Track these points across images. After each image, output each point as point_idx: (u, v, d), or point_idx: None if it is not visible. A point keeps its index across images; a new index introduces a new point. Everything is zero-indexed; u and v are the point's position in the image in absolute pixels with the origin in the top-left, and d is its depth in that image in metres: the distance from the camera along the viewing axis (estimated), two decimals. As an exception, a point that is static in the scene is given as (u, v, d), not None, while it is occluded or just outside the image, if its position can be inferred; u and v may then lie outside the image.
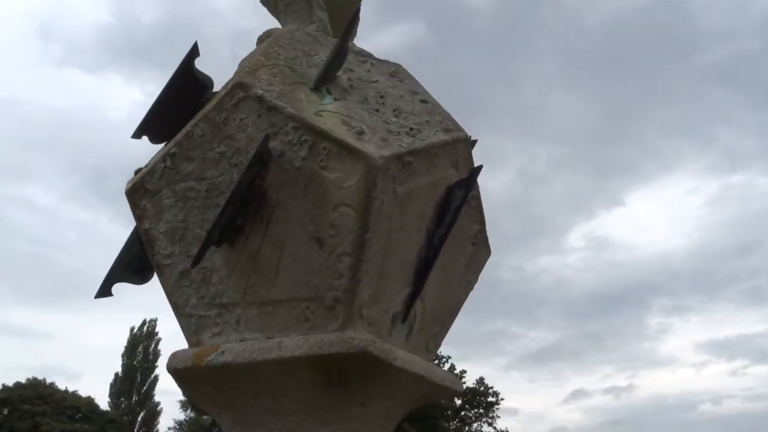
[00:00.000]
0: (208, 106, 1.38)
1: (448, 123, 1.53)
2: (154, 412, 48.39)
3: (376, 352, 1.23)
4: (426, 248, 1.43)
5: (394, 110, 1.47)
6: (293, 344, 1.23)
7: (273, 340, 1.26)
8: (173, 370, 1.31)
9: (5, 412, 26.37)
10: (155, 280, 1.50)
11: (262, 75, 1.38)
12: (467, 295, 1.63)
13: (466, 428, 43.24)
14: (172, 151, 1.38)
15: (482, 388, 44.92)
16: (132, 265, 1.53)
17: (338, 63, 1.44)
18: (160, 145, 1.57)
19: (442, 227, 1.44)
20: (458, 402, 42.13)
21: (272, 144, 1.30)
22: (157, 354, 50.48)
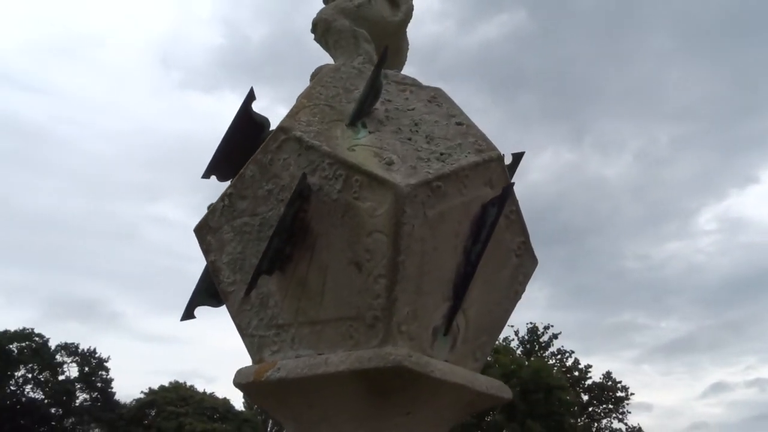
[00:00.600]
0: (268, 146, 1.55)
1: (481, 143, 1.61)
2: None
3: (411, 366, 1.34)
4: (464, 264, 1.52)
5: (426, 137, 1.58)
6: (338, 360, 1.37)
7: (321, 356, 1.41)
8: (239, 385, 1.50)
9: (152, 413, 28.79)
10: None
11: (302, 117, 1.53)
12: (515, 305, 1.70)
13: (595, 425, 41.69)
14: (229, 191, 1.57)
15: (610, 383, 43.06)
16: (209, 291, 1.75)
17: (371, 100, 1.56)
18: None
19: (478, 244, 1.53)
20: (585, 398, 40.73)
21: (311, 179, 1.45)
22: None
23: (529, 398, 30.40)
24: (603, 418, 43.17)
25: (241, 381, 1.49)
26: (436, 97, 1.76)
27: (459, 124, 1.66)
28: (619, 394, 41.65)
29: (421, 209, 1.41)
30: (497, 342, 39.23)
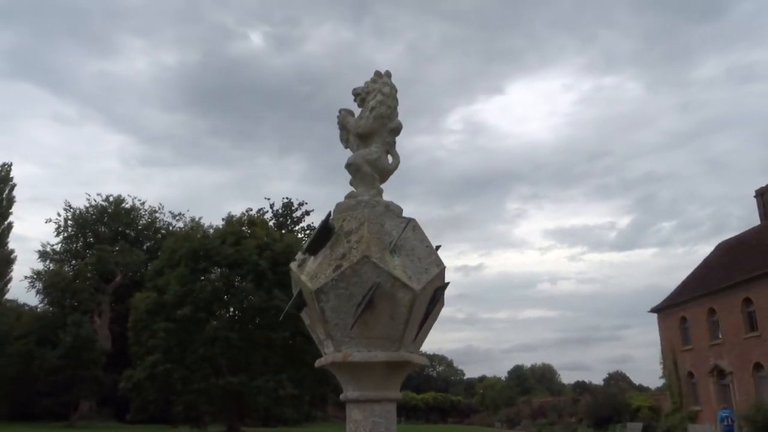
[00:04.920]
0: (351, 258, 3.47)
1: (437, 259, 3.75)
2: (7, 260, 47.77)
3: (408, 358, 3.53)
4: (426, 311, 3.70)
5: (418, 257, 3.67)
6: (381, 355, 3.49)
7: (372, 353, 3.50)
8: (332, 363, 3.52)
9: None
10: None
11: (372, 246, 3.50)
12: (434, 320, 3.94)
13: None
14: (335, 276, 3.49)
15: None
16: (297, 307, 3.68)
17: (325, 236, 3.60)
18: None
19: (432, 303, 3.71)
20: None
21: (376, 280, 3.45)
22: (11, 200, 48.85)
23: (279, 270, 33.74)
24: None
25: (334, 360, 3.51)
26: (415, 227, 3.82)
27: (427, 246, 3.77)
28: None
29: (421, 296, 3.54)
30: (254, 214, 41.53)
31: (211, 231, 37.38)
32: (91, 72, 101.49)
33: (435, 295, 3.73)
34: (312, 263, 3.66)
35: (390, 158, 4.03)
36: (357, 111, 4.20)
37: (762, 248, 34.18)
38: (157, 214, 51.57)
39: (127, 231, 48.87)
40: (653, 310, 42.64)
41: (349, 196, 3.92)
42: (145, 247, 49.08)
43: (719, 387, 35.88)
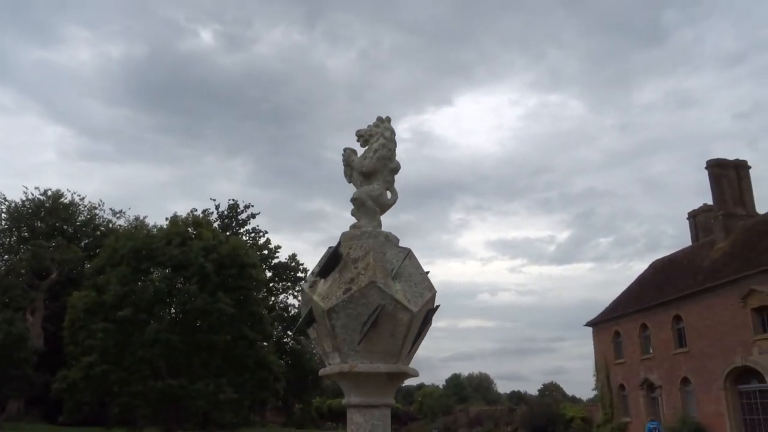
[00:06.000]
0: (359, 282, 4.06)
1: (429, 284, 4.39)
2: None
3: (404, 370, 4.15)
4: (420, 329, 4.32)
5: (415, 282, 4.29)
6: (382, 367, 4.09)
7: (374, 365, 4.10)
8: (338, 374, 4.10)
9: None
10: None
11: (377, 273, 4.10)
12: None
13: (273, 299, 47.71)
14: (345, 298, 4.06)
15: (293, 264, 49.18)
16: (308, 323, 4.25)
17: (333, 263, 4.21)
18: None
19: (424, 323, 4.34)
20: (269, 274, 46.16)
21: (380, 302, 4.05)
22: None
23: (224, 272, 33.81)
24: (281, 293, 49.35)
25: (341, 370, 4.09)
26: (410, 255, 4.44)
27: (421, 273, 4.41)
28: (299, 274, 47.94)
29: (417, 317, 4.16)
30: (199, 215, 41.63)
31: (155, 231, 37.04)
32: (30, 60, 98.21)
33: (427, 316, 4.37)
34: (323, 285, 4.25)
35: (389, 194, 4.66)
36: (358, 149, 4.81)
37: (692, 268, 36.33)
38: (97, 211, 50.51)
39: (65, 227, 47.64)
40: (588, 324, 44.53)
41: (353, 227, 4.53)
42: (83, 244, 47.93)
43: (648, 400, 37.86)
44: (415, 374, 4.43)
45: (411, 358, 4.42)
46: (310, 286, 4.34)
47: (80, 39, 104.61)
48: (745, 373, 30.41)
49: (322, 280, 4.29)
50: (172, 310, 34.20)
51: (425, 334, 4.49)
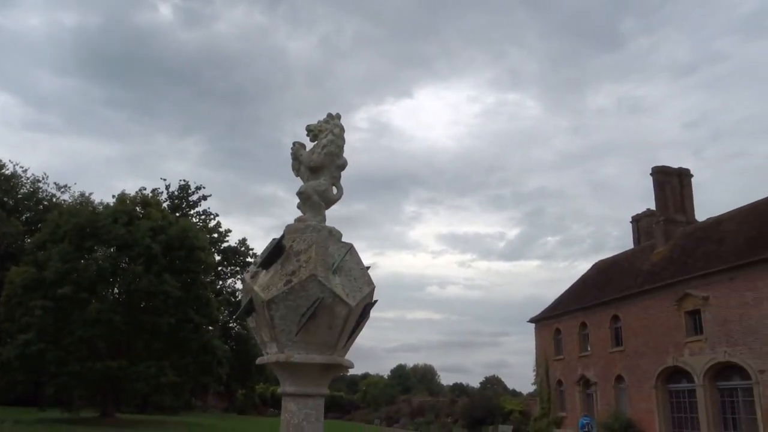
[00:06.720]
0: (300, 275, 4.19)
1: (368, 279, 4.54)
2: None
3: (340, 361, 4.31)
4: (357, 322, 4.48)
5: (354, 277, 4.44)
6: (318, 358, 4.23)
7: (311, 355, 4.24)
8: (275, 363, 4.22)
9: None
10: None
11: (318, 266, 4.23)
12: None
13: (220, 283, 47.27)
14: (285, 289, 4.19)
15: (243, 248, 48.81)
16: (248, 312, 4.36)
17: (276, 254, 4.36)
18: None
19: (361, 317, 4.49)
20: (218, 258, 45.68)
21: (320, 295, 4.19)
22: None
23: (172, 254, 33.35)
24: (229, 278, 48.94)
25: (278, 360, 4.21)
26: (351, 250, 4.59)
27: (361, 268, 4.55)
28: (249, 259, 47.61)
29: (354, 311, 4.31)
30: (148, 194, 40.92)
31: (101, 208, 36.21)
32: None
33: (365, 310, 4.52)
34: (264, 276, 4.35)
35: (335, 190, 4.78)
36: (307, 143, 4.92)
37: (633, 271, 37.56)
38: (41, 184, 48.94)
39: (5, 199, 46.04)
40: (531, 320, 45.59)
41: (298, 220, 4.64)
42: (24, 218, 46.47)
43: (584, 396, 39.08)
44: (350, 366, 4.58)
45: (347, 350, 4.56)
46: (252, 277, 4.43)
47: (31, 3, 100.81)
48: (675, 373, 31.69)
49: (264, 270, 4.39)
50: (116, 290, 33.58)
51: (362, 328, 4.64)
